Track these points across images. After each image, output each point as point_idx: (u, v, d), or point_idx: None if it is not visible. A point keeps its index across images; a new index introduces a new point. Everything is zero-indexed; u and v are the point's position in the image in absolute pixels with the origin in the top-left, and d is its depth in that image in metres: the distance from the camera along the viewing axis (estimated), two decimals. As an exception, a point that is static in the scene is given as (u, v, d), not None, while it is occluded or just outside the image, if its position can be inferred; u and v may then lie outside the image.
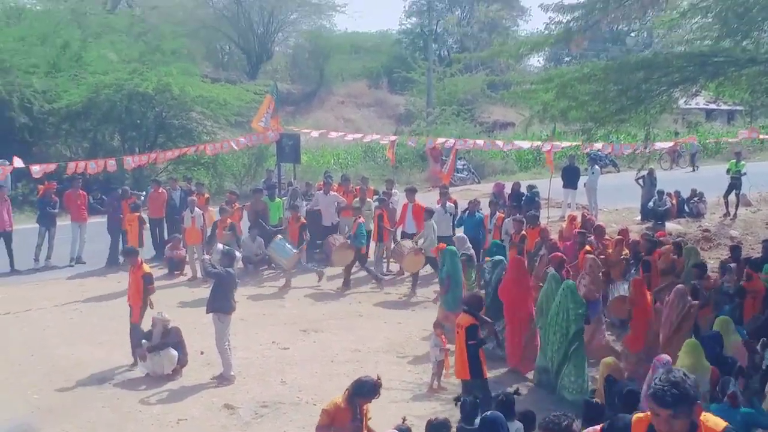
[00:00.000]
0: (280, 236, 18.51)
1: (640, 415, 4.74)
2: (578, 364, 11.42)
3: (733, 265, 14.77)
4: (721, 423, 4.43)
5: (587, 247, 15.11)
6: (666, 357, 9.70)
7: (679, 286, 12.11)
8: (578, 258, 14.75)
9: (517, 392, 8.69)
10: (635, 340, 12.33)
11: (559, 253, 13.73)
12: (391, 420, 10.77)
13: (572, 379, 11.40)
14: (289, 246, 18.35)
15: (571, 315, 11.37)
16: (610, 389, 8.96)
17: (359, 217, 18.69)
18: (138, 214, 19.39)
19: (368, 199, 19.96)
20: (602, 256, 15.31)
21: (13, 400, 11.72)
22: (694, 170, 37.26)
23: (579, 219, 19.06)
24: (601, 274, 13.93)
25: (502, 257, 14.46)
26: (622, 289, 13.67)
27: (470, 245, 16.54)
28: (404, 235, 19.20)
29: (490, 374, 11.40)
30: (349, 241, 18.28)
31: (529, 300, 12.88)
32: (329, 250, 18.49)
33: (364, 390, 8.28)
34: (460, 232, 18.24)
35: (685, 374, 4.30)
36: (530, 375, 12.58)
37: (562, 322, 11.51)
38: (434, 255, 16.72)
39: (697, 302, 11.85)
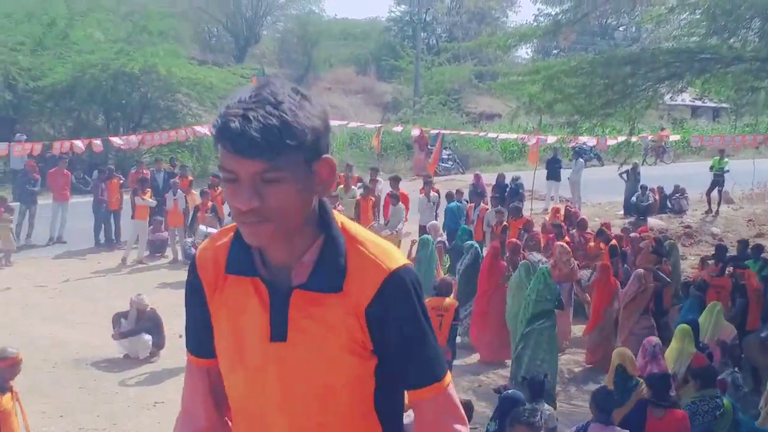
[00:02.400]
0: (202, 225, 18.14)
1: None
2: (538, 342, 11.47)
3: (711, 261, 14.93)
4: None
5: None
6: (655, 339, 9.81)
7: (639, 270, 12.87)
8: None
9: (498, 390, 8.69)
10: (590, 323, 13.05)
11: (515, 240, 14.54)
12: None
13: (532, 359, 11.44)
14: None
15: (539, 296, 11.38)
16: (620, 379, 8.95)
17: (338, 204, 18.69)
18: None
19: (352, 187, 19.91)
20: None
21: (-10, 379, 11.67)
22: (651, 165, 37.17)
23: (562, 212, 19.14)
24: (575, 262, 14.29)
25: (473, 242, 14.77)
26: None
27: (444, 233, 16.85)
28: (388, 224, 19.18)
29: (459, 361, 12.12)
30: None
31: (502, 288, 13.01)
32: None
33: None
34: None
35: (295, 92, 2.09)
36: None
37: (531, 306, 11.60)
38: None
39: (654, 283, 12.67)
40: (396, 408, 2.39)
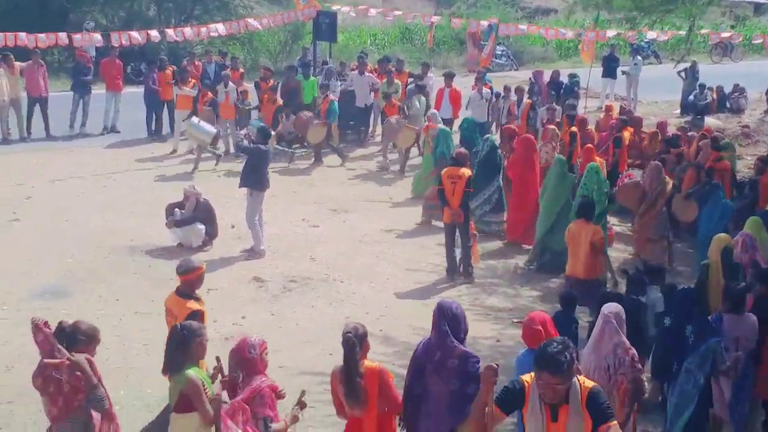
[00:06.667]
0: (195, 117, 17.55)
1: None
2: None
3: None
4: (590, 382, 4.82)
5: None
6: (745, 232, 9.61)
7: (654, 162, 13.26)
8: (610, 147, 15.08)
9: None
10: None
11: (511, 126, 15.91)
12: (416, 300, 11.02)
13: None
14: (205, 124, 17.40)
15: (595, 196, 11.54)
16: (727, 262, 8.93)
17: (328, 95, 18.76)
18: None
19: (396, 81, 19.68)
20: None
21: (47, 264, 11.96)
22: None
23: (617, 110, 18.83)
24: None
25: (488, 135, 15.33)
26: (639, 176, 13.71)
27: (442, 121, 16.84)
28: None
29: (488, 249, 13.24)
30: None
31: (536, 178, 13.54)
32: (303, 127, 18.39)
33: None
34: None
35: (564, 342, 4.63)
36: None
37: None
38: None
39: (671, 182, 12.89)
40: None
